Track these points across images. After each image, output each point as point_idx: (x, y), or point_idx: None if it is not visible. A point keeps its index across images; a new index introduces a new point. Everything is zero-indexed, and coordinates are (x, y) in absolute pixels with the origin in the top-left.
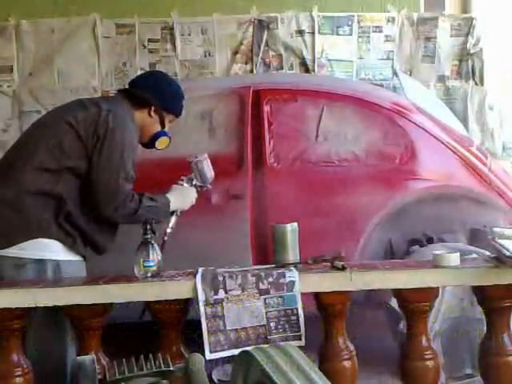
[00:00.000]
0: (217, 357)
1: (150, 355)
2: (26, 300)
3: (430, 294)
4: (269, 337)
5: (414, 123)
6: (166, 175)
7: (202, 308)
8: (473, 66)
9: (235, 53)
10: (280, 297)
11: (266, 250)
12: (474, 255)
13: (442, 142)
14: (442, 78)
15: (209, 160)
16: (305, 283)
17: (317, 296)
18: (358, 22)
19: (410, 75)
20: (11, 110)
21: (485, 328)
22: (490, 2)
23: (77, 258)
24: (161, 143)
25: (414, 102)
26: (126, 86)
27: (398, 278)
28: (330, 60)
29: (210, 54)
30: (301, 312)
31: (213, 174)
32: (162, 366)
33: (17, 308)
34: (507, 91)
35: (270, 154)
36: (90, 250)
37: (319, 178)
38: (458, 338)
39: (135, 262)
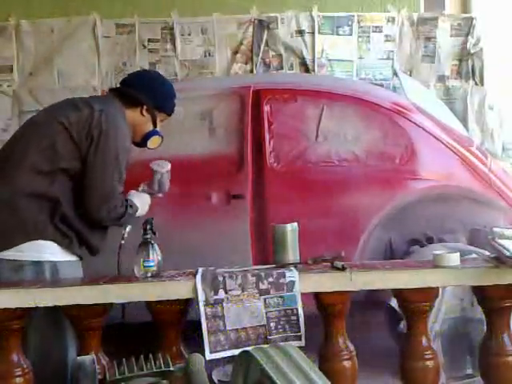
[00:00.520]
0: (217, 357)
1: (150, 355)
2: (26, 300)
3: (430, 294)
4: (269, 337)
5: (414, 123)
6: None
7: (202, 308)
8: (473, 66)
9: (235, 53)
10: (280, 297)
11: (266, 250)
12: (474, 255)
13: (442, 142)
14: (441, 78)
15: (169, 171)
16: (305, 283)
17: (317, 296)
18: (358, 22)
19: (410, 75)
20: (11, 109)
21: (485, 328)
22: (490, 2)
23: (73, 258)
24: (153, 142)
25: (414, 101)
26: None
27: (398, 278)
28: (330, 60)
29: (210, 54)
30: (301, 312)
31: (169, 185)
32: (162, 366)
33: (17, 308)
34: (507, 91)
35: (270, 154)
36: (85, 250)
37: (319, 178)
38: (458, 338)
39: (135, 262)
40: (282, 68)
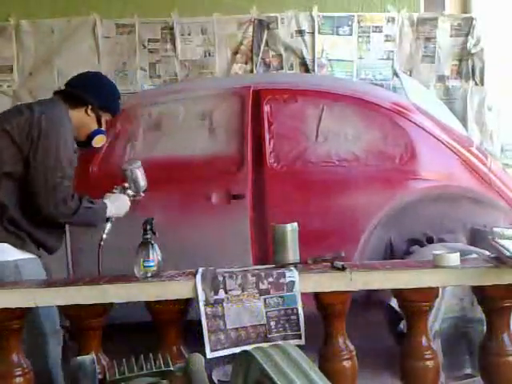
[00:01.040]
0: (217, 355)
1: (150, 355)
2: (26, 300)
3: (430, 294)
4: (269, 335)
5: (414, 123)
6: (165, 175)
7: (202, 308)
8: (473, 66)
9: (235, 53)
10: (280, 297)
11: (266, 250)
12: (474, 255)
13: (442, 142)
14: (441, 78)
15: (142, 168)
16: (305, 283)
17: (317, 296)
18: (358, 22)
19: (410, 75)
20: None
21: (485, 328)
22: (490, 2)
23: (32, 256)
24: (97, 141)
25: (414, 101)
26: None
27: (398, 278)
28: (330, 60)
29: (210, 54)
30: (301, 312)
31: (146, 183)
32: (162, 365)
33: (17, 308)
34: (507, 91)
35: (270, 154)
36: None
37: (319, 177)
38: (457, 338)
39: (135, 262)
40: (282, 68)
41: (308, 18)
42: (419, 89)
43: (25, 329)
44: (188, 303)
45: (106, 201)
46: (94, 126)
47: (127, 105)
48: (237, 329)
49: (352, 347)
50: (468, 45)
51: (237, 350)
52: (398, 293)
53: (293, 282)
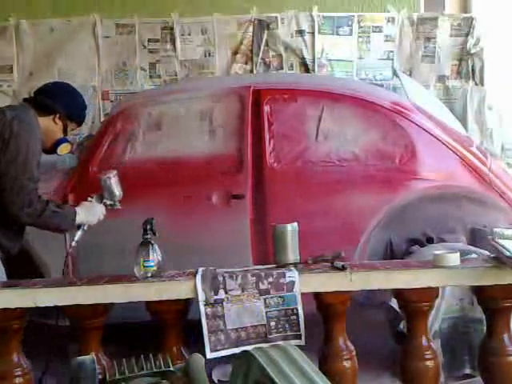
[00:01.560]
0: (217, 356)
1: (150, 355)
2: (26, 300)
3: (430, 294)
4: (269, 336)
5: (414, 123)
6: (165, 174)
7: (202, 308)
8: (473, 66)
9: (235, 53)
10: (280, 297)
11: (266, 250)
12: (474, 255)
13: (442, 142)
14: (441, 78)
15: (117, 178)
16: (305, 283)
17: (317, 296)
18: (358, 22)
19: (410, 75)
20: None
21: (485, 328)
22: (490, 2)
23: None
24: (63, 149)
25: (414, 101)
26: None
27: (398, 278)
28: (330, 60)
29: (210, 54)
30: (301, 312)
31: (121, 192)
32: (163, 366)
33: (17, 308)
34: (507, 91)
35: (270, 154)
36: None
37: (319, 177)
38: (457, 338)
39: (135, 262)
40: (281, 68)
41: (308, 18)
42: (419, 89)
43: None
44: (188, 303)
45: (76, 208)
46: (60, 134)
47: (127, 105)
48: (237, 329)
49: (352, 347)
50: (468, 45)
51: (237, 350)
52: (397, 293)
53: (293, 282)
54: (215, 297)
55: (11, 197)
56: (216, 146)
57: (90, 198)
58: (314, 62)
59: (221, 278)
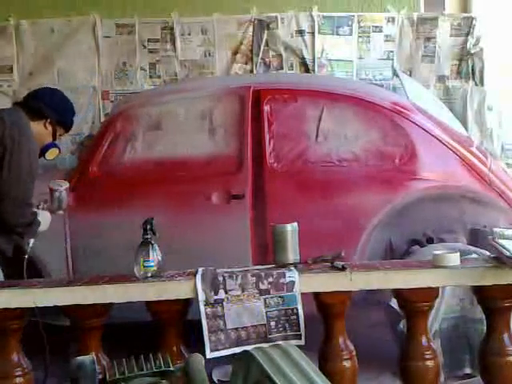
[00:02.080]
0: (217, 355)
1: (150, 355)
2: (26, 300)
3: (430, 294)
4: (269, 335)
5: (414, 123)
6: (165, 174)
7: (202, 308)
8: (473, 66)
9: (235, 53)
10: (280, 297)
11: (266, 250)
12: (474, 255)
13: (442, 142)
14: (441, 78)
15: (68, 190)
16: (305, 283)
17: (317, 296)
18: (358, 22)
19: (410, 75)
20: None
21: (485, 328)
22: (490, 2)
23: None
24: (51, 154)
25: (414, 101)
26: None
27: (397, 278)
28: (330, 60)
29: (210, 54)
30: (301, 312)
31: (67, 203)
32: (162, 365)
33: (17, 308)
34: (507, 91)
35: (270, 154)
36: None
37: (319, 178)
38: (457, 338)
39: (135, 262)
40: (281, 68)
41: (308, 18)
42: (419, 89)
43: None
44: (188, 303)
45: (39, 218)
46: (49, 139)
47: (127, 105)
48: (237, 329)
49: (352, 347)
50: (468, 45)
51: (237, 350)
52: (397, 293)
53: (293, 282)
54: (215, 297)
55: (14, 207)
56: (216, 146)
57: (40, 206)
58: (313, 62)
59: (221, 278)
